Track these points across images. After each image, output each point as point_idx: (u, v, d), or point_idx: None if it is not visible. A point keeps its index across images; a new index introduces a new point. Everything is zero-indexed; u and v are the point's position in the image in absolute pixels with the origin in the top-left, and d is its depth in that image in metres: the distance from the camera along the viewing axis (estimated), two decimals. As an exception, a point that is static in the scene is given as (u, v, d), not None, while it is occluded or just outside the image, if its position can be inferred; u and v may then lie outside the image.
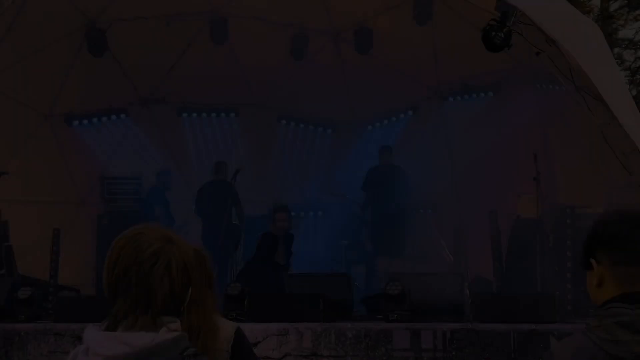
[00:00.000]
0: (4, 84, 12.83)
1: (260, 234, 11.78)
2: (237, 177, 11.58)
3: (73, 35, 13.00)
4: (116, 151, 14.76)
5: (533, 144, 12.68)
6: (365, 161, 14.31)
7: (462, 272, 11.04)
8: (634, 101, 10.29)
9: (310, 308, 8.83)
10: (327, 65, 14.62)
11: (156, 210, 12.94)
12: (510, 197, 11.87)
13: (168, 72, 14.54)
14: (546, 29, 8.73)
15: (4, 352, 9.00)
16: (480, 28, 8.87)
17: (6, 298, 9.91)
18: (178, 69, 14.44)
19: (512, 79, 13.50)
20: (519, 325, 8.35)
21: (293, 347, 8.57)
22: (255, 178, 15.42)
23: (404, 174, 12.81)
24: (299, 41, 13.87)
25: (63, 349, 8.73)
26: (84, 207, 14.64)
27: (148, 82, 14.68)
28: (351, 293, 9.91)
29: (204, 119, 15.38)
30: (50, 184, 14.06)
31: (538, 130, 13.33)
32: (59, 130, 14.19)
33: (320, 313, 8.74)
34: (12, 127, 13.32)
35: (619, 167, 9.67)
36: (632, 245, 2.50)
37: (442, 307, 9.17)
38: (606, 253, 2.54)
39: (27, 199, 13.48)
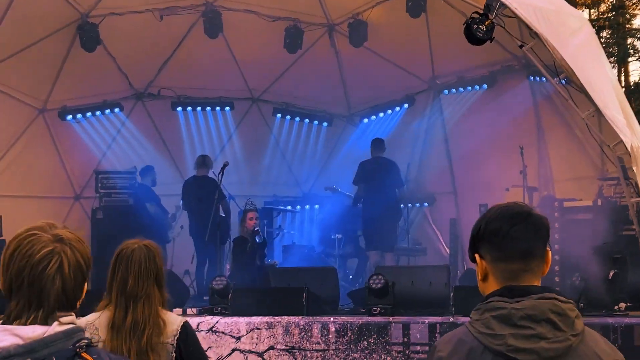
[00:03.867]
0: (-3, 79, 12.90)
1: (232, 240, 12.05)
2: (224, 171, 11.54)
3: (66, 30, 13.00)
4: (110, 146, 14.80)
5: (527, 136, 12.66)
6: (360, 154, 14.29)
7: (448, 265, 11.01)
8: (623, 94, 10.20)
9: (294, 302, 8.82)
10: (322, 58, 14.61)
11: (148, 206, 12.94)
12: (501, 189, 11.82)
13: (162, 66, 14.58)
14: (530, 21, 8.65)
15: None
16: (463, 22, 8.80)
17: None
18: (172, 62, 14.48)
19: (506, 72, 13.46)
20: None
21: (276, 341, 8.59)
22: (250, 172, 15.45)
23: (395, 166, 12.74)
24: (293, 34, 13.80)
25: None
26: (78, 202, 14.71)
27: (142, 76, 14.71)
28: (337, 287, 9.90)
29: (198, 113, 15.38)
30: (44, 179, 14.13)
31: (532, 121, 13.29)
32: (53, 125, 14.24)
33: (303, 307, 8.74)
34: (6, 122, 13.36)
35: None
36: (511, 243, 2.53)
37: (426, 300, 9.15)
38: (488, 250, 2.57)
39: (21, 194, 13.53)
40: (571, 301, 2.48)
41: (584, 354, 2.42)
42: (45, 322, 2.34)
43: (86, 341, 2.36)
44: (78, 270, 2.43)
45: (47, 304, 2.36)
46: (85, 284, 2.49)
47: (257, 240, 11.89)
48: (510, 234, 2.52)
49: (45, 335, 2.29)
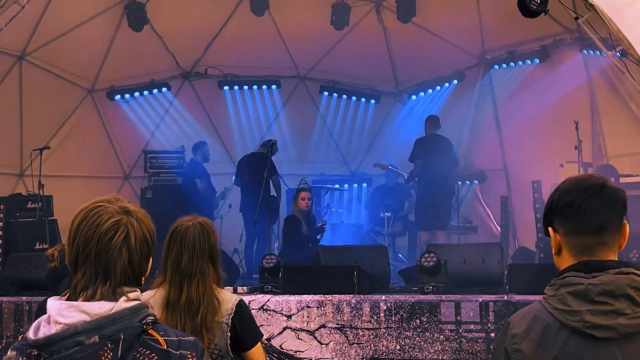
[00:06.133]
0: (46, 60, 12.98)
1: (284, 219, 11.97)
2: (274, 149, 11.47)
3: (113, 10, 13.05)
4: (158, 125, 14.86)
5: (580, 111, 12.38)
6: (408, 132, 14.11)
7: (501, 243, 10.82)
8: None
9: (345, 280, 8.72)
10: (369, 35, 14.45)
11: (197, 182, 12.94)
12: (555, 165, 11.57)
13: (209, 45, 14.56)
14: (585, -8, 8.43)
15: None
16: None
17: (48, 272, 10.01)
18: (218, 41, 14.46)
19: (559, 45, 13.16)
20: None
21: (328, 319, 8.52)
22: (297, 150, 15.39)
23: (450, 144, 12.52)
24: (340, 11, 13.66)
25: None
26: (127, 181, 14.83)
27: (189, 55, 14.72)
28: (388, 265, 9.77)
29: (245, 92, 15.36)
30: (93, 159, 14.27)
31: (586, 96, 12.98)
32: (102, 105, 14.37)
33: (354, 285, 8.64)
34: (55, 102, 13.47)
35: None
36: (584, 216, 2.44)
37: (479, 279, 8.98)
38: (561, 223, 2.49)
39: (71, 174, 13.65)
40: None
41: None
42: (113, 295, 2.31)
43: (152, 317, 2.33)
44: (144, 244, 2.40)
45: (113, 276, 2.33)
46: (150, 260, 2.45)
47: (318, 237, 11.80)
48: (583, 207, 2.44)
49: (112, 312, 2.26)
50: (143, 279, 2.44)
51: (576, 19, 8.76)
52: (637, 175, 10.67)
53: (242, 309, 4.12)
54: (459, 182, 13.83)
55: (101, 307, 2.26)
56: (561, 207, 2.47)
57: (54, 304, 2.31)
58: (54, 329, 2.25)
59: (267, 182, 11.10)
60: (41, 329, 2.29)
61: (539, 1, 8.24)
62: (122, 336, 2.23)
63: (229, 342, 4.02)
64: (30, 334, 2.28)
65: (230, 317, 4.04)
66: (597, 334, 2.31)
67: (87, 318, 2.23)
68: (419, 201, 12.70)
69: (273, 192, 12.28)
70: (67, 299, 2.32)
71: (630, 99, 11.66)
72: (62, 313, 2.26)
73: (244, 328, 4.10)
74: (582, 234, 2.44)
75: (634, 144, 12.08)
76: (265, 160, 11.60)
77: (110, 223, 2.34)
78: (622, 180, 10.43)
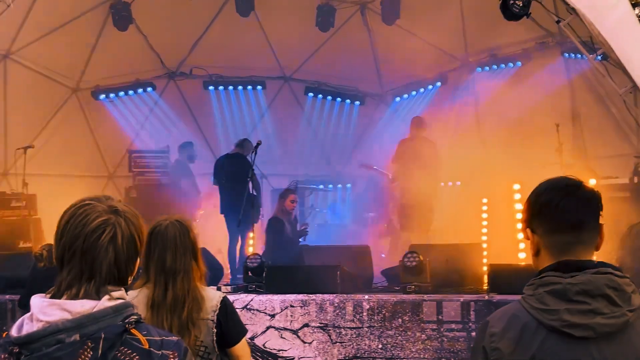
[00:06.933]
0: (31, 59, 12.96)
1: (267, 220, 11.96)
2: (257, 150, 11.48)
3: (98, 9, 13.05)
4: (143, 125, 14.85)
5: (561, 114, 12.49)
6: (393, 133, 14.16)
7: (483, 243, 10.91)
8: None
9: (328, 280, 8.78)
10: (354, 37, 14.52)
11: (182, 182, 12.96)
12: (535, 167, 11.68)
13: (194, 45, 14.57)
14: (567, -4, 8.52)
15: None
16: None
17: (33, 271, 10.00)
18: (204, 41, 14.48)
19: (540, 49, 13.28)
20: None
21: (311, 319, 8.58)
22: (282, 151, 15.42)
23: (434, 145, 12.60)
24: (326, 12, 13.73)
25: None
26: (111, 180, 14.81)
27: (174, 55, 14.75)
28: (371, 265, 9.85)
29: (230, 92, 15.39)
30: (78, 158, 14.21)
31: (567, 99, 13.12)
32: (86, 105, 14.35)
33: (337, 285, 8.70)
34: (40, 101, 13.45)
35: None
36: (562, 215, 2.50)
37: (461, 279, 9.08)
38: (539, 223, 2.55)
39: (55, 173, 13.62)
40: (627, 276, 2.42)
41: None
42: (97, 294, 2.30)
43: (136, 317, 2.32)
44: (131, 243, 2.40)
45: (98, 275, 2.33)
46: (138, 259, 2.45)
47: (301, 241, 11.80)
48: (560, 205, 2.50)
49: (94, 310, 2.25)
50: (130, 278, 2.44)
51: (558, 22, 8.86)
52: (617, 178, 10.79)
53: (226, 305, 4.17)
54: (441, 183, 13.92)
55: (83, 306, 2.26)
56: (539, 207, 2.54)
57: (36, 301, 2.31)
58: (35, 327, 2.25)
59: (248, 182, 11.12)
60: (24, 326, 2.29)
61: (521, 4, 8.35)
62: (102, 335, 2.23)
63: (214, 338, 4.06)
64: (13, 332, 2.29)
65: (216, 314, 4.08)
66: (574, 333, 2.35)
67: (69, 316, 2.24)
68: (402, 202, 12.76)
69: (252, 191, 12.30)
70: (52, 297, 2.33)
71: (611, 102, 11.79)
72: (44, 311, 2.27)
73: (229, 324, 4.15)
74: (560, 232, 2.50)
75: (614, 147, 12.23)
76: (241, 160, 11.63)
77: (98, 222, 2.34)
78: (602, 182, 10.54)
